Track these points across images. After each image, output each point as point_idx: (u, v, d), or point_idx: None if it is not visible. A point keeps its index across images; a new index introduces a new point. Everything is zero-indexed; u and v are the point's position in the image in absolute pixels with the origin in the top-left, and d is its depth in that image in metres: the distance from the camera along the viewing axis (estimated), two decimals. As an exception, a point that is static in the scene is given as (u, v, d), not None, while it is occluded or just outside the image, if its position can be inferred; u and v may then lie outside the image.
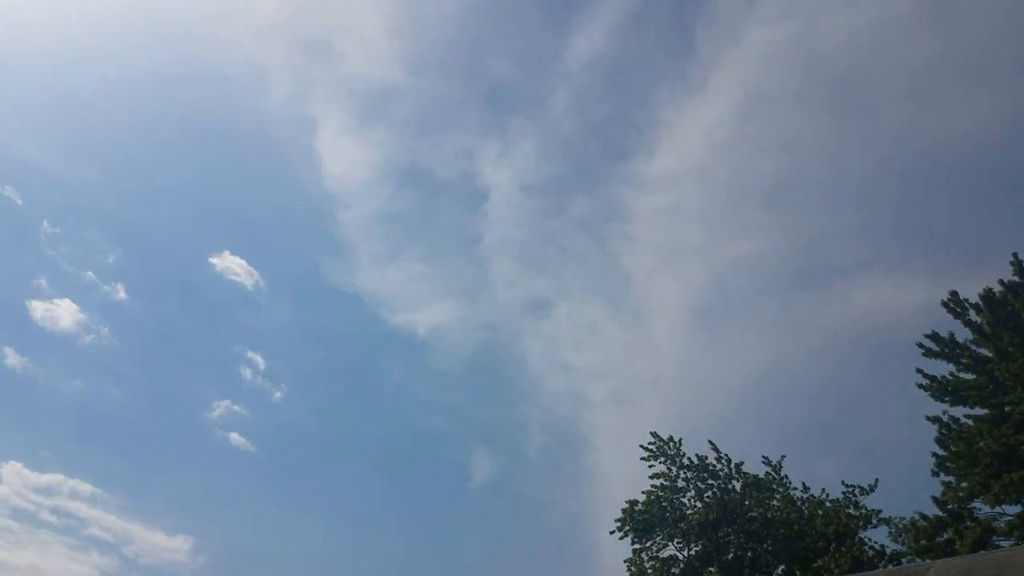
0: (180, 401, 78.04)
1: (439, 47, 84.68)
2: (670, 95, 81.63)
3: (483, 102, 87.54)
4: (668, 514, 32.55)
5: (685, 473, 33.20)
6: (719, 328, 74.97)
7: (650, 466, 33.37)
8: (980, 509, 27.32)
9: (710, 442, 33.72)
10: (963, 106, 74.74)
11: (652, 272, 78.89)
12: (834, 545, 30.19)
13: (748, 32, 78.39)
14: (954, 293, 29.89)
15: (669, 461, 33.30)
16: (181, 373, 79.68)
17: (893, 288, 69.96)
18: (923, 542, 27.68)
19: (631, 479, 63.30)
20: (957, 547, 26.55)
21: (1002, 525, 26.81)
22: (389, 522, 73.25)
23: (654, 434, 33.59)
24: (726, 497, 32.58)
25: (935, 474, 28.62)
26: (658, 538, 32.54)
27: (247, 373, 76.32)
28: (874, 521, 31.53)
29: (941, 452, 28.53)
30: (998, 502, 26.70)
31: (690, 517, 32.25)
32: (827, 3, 78.90)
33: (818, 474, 53.71)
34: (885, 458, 53.20)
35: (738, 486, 33.02)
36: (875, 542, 31.12)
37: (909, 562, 28.51)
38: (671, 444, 33.44)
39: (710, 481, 33.02)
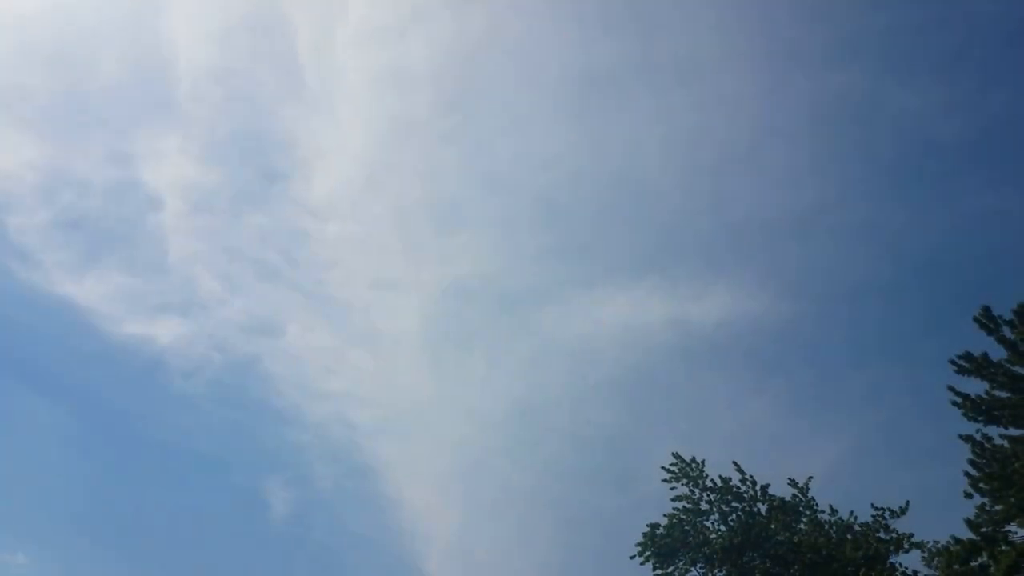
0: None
1: (44, 43, 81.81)
2: (299, 115, 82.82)
3: (112, 102, 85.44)
4: (691, 538, 31.50)
5: (708, 496, 32.22)
6: (458, 357, 76.12)
7: (672, 488, 32.49)
8: (1015, 532, 26.31)
9: (734, 463, 32.79)
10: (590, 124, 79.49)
11: (368, 302, 79.78)
12: (864, 570, 29.11)
13: (345, 57, 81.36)
14: (986, 308, 29.00)
15: (691, 483, 32.33)
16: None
17: (630, 305, 72.85)
18: (956, 567, 26.58)
19: (437, 509, 64.01)
20: (992, 572, 25.48)
21: (1039, 549, 25.68)
22: (192, 550, 69.89)
23: (676, 455, 32.75)
24: (751, 520, 31.53)
25: (968, 496, 27.64)
26: (681, 563, 31.46)
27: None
28: (906, 545, 30.37)
29: (974, 473, 27.54)
30: (1034, 525, 25.68)
31: (713, 541, 31.22)
32: (408, 25, 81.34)
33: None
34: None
35: (763, 509, 31.94)
36: (907, 567, 30.05)
37: (942, 588, 27.46)
38: (693, 466, 32.51)
39: (734, 504, 31.96)
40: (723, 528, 31.65)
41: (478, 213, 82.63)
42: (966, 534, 27.03)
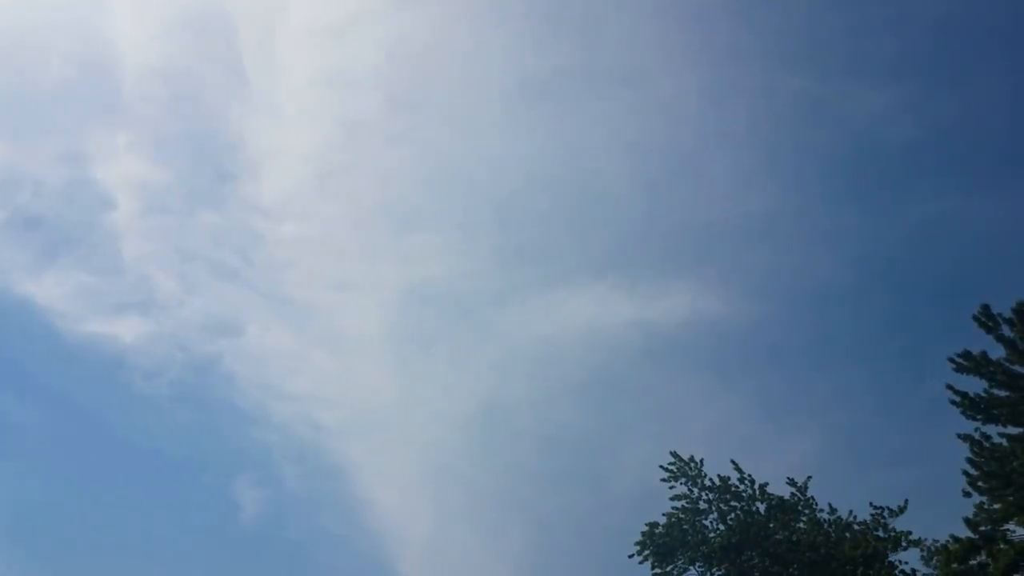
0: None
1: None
2: (245, 115, 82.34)
3: (61, 101, 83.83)
4: (689, 537, 31.52)
5: (707, 495, 32.20)
6: (422, 360, 75.65)
7: (671, 487, 32.50)
8: (1014, 531, 26.20)
9: (733, 462, 32.77)
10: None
11: (328, 303, 79.06)
12: (862, 569, 29.16)
13: (288, 57, 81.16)
14: (985, 307, 28.90)
15: (690, 482, 32.33)
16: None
17: (592, 305, 72.34)
18: (954, 565, 26.53)
19: (409, 510, 63.28)
20: (990, 571, 25.42)
21: (1037, 548, 25.63)
22: (161, 548, 68.30)
23: (674, 454, 32.74)
24: (749, 519, 31.53)
25: (967, 495, 27.57)
26: (679, 562, 31.48)
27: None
28: (904, 543, 30.36)
29: (972, 471, 27.46)
30: (1033, 524, 25.62)
31: (712, 540, 31.23)
32: (349, 27, 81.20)
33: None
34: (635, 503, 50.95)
35: (762, 508, 31.93)
36: (906, 564, 30.08)
37: (941, 586, 27.42)
38: (692, 465, 32.49)
39: (733, 503, 31.95)
40: (722, 527, 31.68)
41: (435, 215, 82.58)
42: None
